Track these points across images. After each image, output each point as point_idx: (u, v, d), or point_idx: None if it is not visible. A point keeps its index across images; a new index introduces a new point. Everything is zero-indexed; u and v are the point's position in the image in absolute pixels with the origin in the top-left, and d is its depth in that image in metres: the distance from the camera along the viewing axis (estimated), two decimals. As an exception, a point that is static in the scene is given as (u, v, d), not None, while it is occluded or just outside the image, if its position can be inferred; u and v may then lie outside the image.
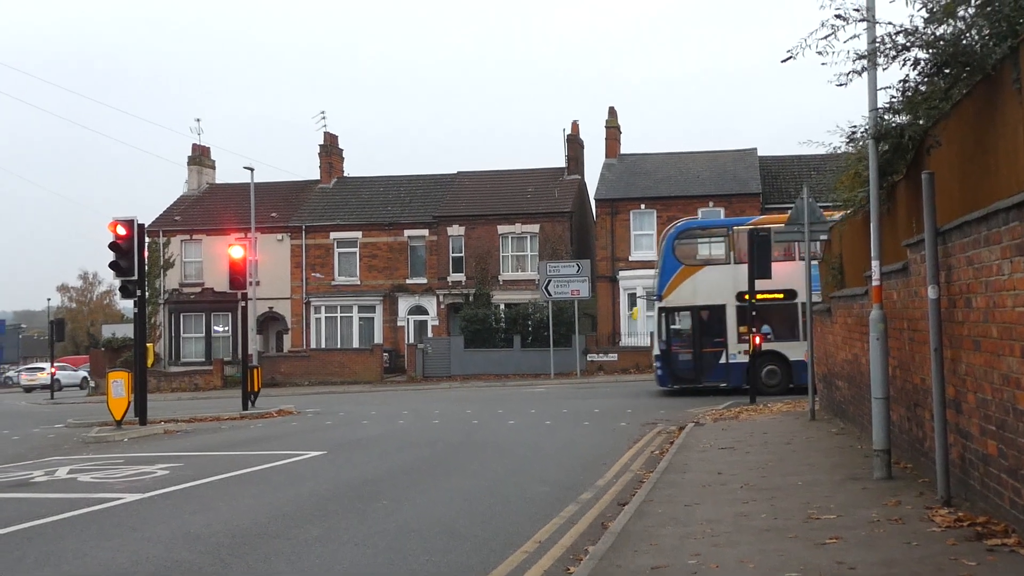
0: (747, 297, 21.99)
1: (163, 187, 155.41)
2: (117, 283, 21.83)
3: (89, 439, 18.37)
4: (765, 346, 23.36)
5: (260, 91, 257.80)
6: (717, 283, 24.47)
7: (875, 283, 9.13)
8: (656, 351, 25.23)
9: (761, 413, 17.70)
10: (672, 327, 25.06)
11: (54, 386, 45.24)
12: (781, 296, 24.14)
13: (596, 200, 42.17)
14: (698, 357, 24.81)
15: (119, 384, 20.13)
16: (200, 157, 49.69)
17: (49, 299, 73.33)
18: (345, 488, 10.71)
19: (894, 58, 8.48)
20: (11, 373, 73.81)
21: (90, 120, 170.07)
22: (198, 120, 52.52)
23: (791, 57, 8.78)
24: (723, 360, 24.53)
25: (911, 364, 9.15)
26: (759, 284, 21.32)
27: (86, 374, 49.97)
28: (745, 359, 23.16)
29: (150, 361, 22.58)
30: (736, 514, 7.76)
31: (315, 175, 48.94)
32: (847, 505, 7.82)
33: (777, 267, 23.15)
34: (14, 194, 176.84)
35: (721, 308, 24.52)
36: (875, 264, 9.17)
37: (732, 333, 24.43)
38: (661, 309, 24.88)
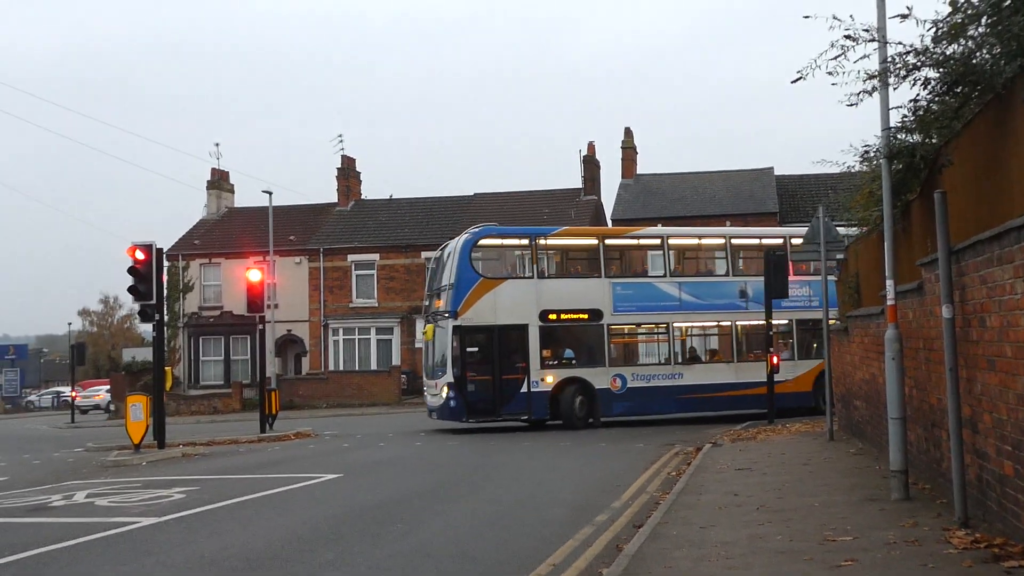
0: (552, 316, 21.70)
1: (183, 211, 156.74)
2: (137, 307, 21.97)
3: (108, 463, 18.46)
4: (565, 372, 22.16)
5: (278, 115, 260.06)
6: (519, 300, 22.05)
7: (890, 302, 9.09)
8: (448, 378, 21.66)
9: (779, 433, 17.59)
10: (468, 349, 21.90)
11: (75, 410, 45.50)
12: (585, 317, 22.51)
13: (613, 220, 42.19)
14: (497, 385, 21.91)
15: (138, 408, 20.25)
16: (219, 181, 50.09)
17: (70, 323, 73.87)
18: (360, 511, 10.71)
19: (904, 77, 8.49)
20: (33, 397, 74.36)
21: (111, 146, 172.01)
22: (217, 144, 52.74)
23: (801, 78, 8.81)
24: (524, 388, 21.86)
25: (927, 384, 9.08)
26: (564, 303, 22.06)
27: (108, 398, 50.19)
28: (548, 387, 21.85)
29: (168, 384, 22.70)
30: (752, 536, 7.71)
31: (333, 198, 49.24)
32: (864, 527, 7.75)
33: (577, 283, 23.01)
34: (37, 220, 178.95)
35: (523, 328, 21.98)
36: (890, 283, 9.13)
37: (535, 357, 22.01)
38: (456, 328, 21.60)
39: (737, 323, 23.83)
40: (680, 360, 23.36)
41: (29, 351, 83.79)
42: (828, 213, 15.55)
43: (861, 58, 8.64)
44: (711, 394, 23.21)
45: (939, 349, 7.93)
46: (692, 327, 24.14)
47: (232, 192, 51.19)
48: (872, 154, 10.96)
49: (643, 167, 46.33)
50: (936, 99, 8.63)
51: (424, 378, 24.59)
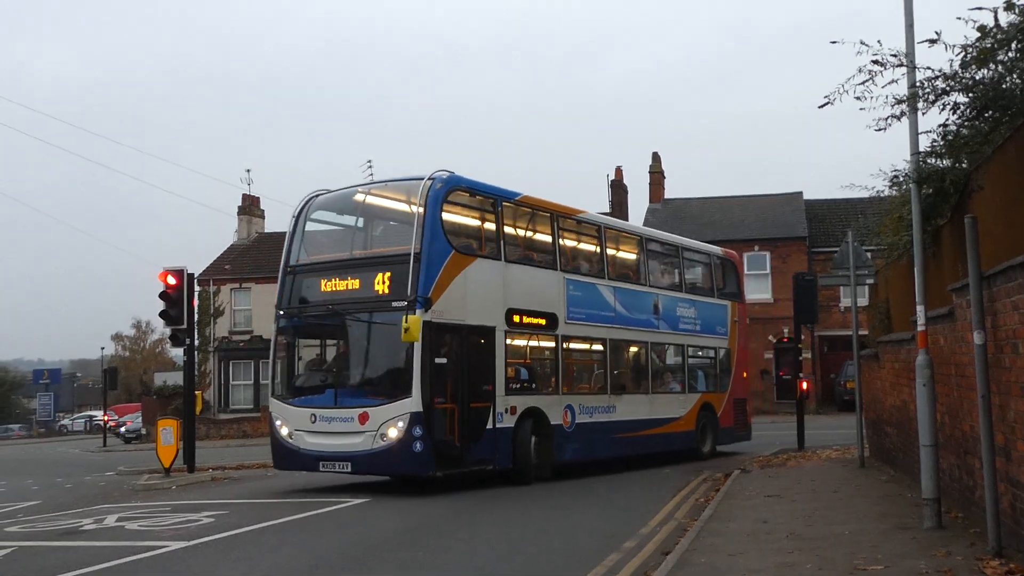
0: (516, 319, 15.77)
1: (214, 237, 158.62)
2: (168, 332, 22.21)
3: (138, 487, 18.60)
4: (525, 400, 15.83)
5: (308, 141, 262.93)
6: (488, 290, 15.42)
7: (920, 328, 9.01)
8: (411, 404, 13.91)
9: (809, 460, 17.41)
10: (436, 361, 14.32)
11: (106, 434, 45.91)
12: (543, 323, 16.50)
13: (640, 245, 42.11)
14: (464, 418, 14.77)
15: (168, 432, 20.40)
16: (250, 207, 50.61)
17: (103, 348, 74.82)
18: (387, 536, 10.71)
19: (934, 102, 8.47)
20: (66, 421, 75.20)
21: (144, 172, 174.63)
22: (248, 171, 53.51)
23: (828, 103, 8.81)
24: (490, 423, 15.07)
25: (959, 410, 8.97)
26: (527, 301, 16.03)
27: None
28: (511, 423, 15.39)
29: (199, 409, 22.79)
30: (780, 564, 7.63)
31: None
32: (895, 555, 7.65)
33: (536, 275, 16.62)
34: (72, 246, 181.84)
35: (491, 333, 15.32)
36: (920, 309, 9.05)
37: (501, 377, 15.38)
38: (428, 325, 14.01)
39: (650, 345, 19.57)
40: (611, 389, 18.23)
41: (63, 375, 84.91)
42: (857, 238, 15.47)
43: (889, 83, 8.64)
44: (634, 432, 18.56)
45: (971, 375, 7.84)
46: (622, 346, 18.90)
47: (262, 217, 51.69)
48: (901, 179, 10.92)
49: (671, 192, 46.33)
50: (966, 124, 8.60)
51: (310, 407, 15.12)
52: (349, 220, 17.02)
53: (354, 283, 15.17)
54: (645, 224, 42.74)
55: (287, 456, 15.44)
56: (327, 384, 15.42)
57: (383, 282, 14.76)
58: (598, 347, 17.98)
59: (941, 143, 9.03)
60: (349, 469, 14.72)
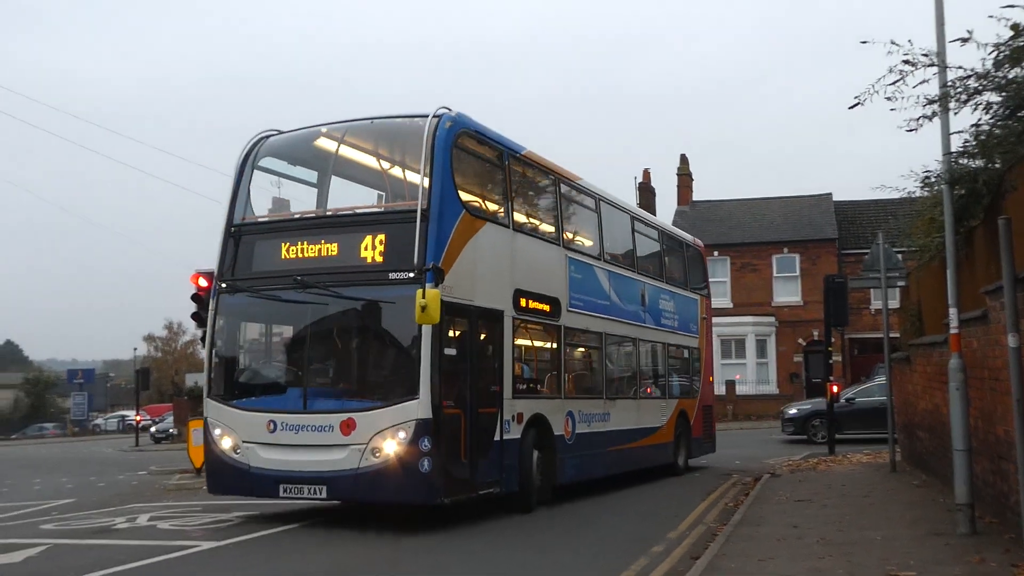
0: (523, 302, 12.63)
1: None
2: (199, 333, 22.36)
3: (170, 486, 18.80)
4: (531, 405, 12.71)
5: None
6: (497, 264, 12.36)
7: (953, 331, 8.90)
8: (418, 409, 10.58)
9: (840, 464, 17.27)
10: (447, 352, 11.15)
11: (138, 434, 46.39)
12: (547, 309, 13.43)
13: (669, 247, 41.96)
14: (472, 428, 11.46)
15: (199, 432, 20.59)
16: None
17: (136, 348, 75.66)
18: (416, 540, 10.73)
19: (966, 102, 8.39)
20: (99, 420, 76.13)
21: (177, 175, 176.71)
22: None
23: (859, 103, 8.74)
24: (497, 435, 11.86)
25: (993, 415, 8.85)
26: (534, 282, 12.98)
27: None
28: (518, 435, 12.23)
29: (229, 410, 22.95)
30: (811, 569, 7.57)
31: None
32: (928, 561, 7.57)
33: (540, 250, 13.54)
34: (107, 248, 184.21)
35: (498, 318, 12.23)
36: (953, 311, 8.95)
37: (508, 375, 12.23)
38: (444, 304, 10.59)
39: (638, 342, 16.85)
40: (606, 393, 15.43)
41: (96, 375, 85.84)
42: (888, 239, 15.32)
43: (920, 83, 8.57)
44: (624, 445, 15.82)
45: (1005, 379, 7.74)
46: (614, 341, 16.10)
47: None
48: (933, 180, 10.81)
49: (699, 194, 46.13)
50: (999, 123, 8.50)
51: (267, 411, 11.50)
52: (315, 169, 13.22)
53: (330, 248, 11.57)
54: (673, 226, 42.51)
55: (231, 476, 11.57)
56: (293, 381, 11.70)
57: (374, 247, 11.29)
58: (594, 342, 15.27)
59: (973, 143, 8.92)
60: (324, 494, 10.95)
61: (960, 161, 9.23)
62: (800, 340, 38.95)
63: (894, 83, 8.54)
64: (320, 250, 11.64)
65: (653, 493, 15.11)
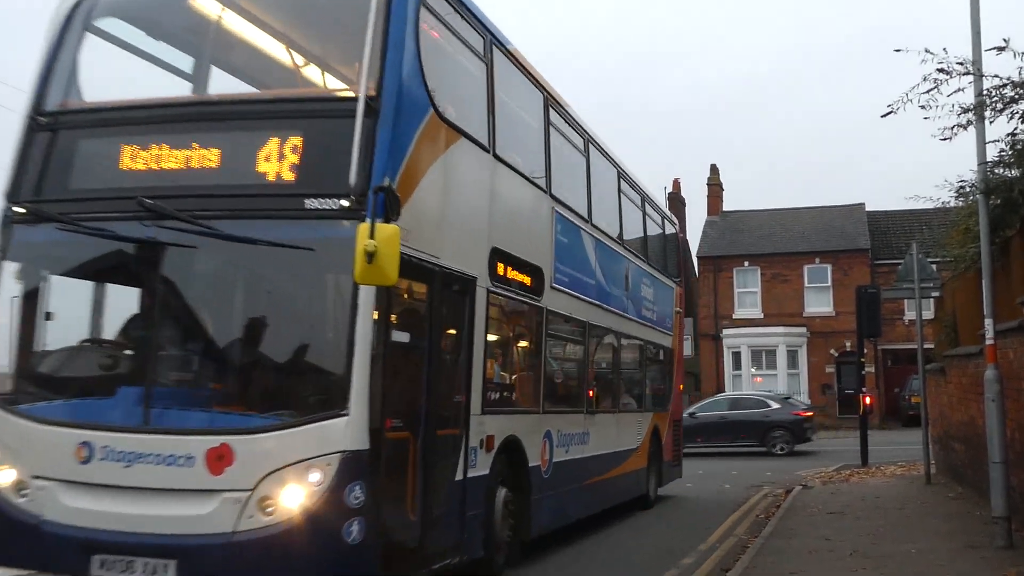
0: (501, 269, 8.57)
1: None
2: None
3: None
4: (499, 427, 8.52)
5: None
6: (472, 203, 8.17)
7: (988, 342, 8.81)
8: (347, 437, 6.06)
9: (873, 476, 17.08)
10: (395, 339, 6.78)
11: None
12: (528, 282, 9.36)
13: (698, 258, 41.82)
14: (427, 462, 7.07)
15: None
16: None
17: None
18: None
19: (1001, 111, 8.32)
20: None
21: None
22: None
23: (891, 112, 8.69)
24: (459, 472, 7.66)
25: (1031, 427, 8.74)
26: (514, 241, 8.87)
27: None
28: (487, 466, 8.20)
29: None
30: (844, 582, 7.49)
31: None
32: (963, 574, 7.49)
33: (525, 194, 9.55)
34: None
35: (469, 290, 7.92)
36: (988, 322, 8.85)
37: (478, 378, 8.04)
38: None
39: (621, 336, 13.02)
40: (586, 405, 11.54)
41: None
42: (922, 250, 15.18)
43: (955, 91, 8.50)
44: (601, 476, 11.87)
45: (1042, 391, 7.65)
46: (598, 334, 12.14)
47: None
48: (968, 189, 10.71)
49: (729, 204, 45.91)
50: (1035, 132, 8.41)
51: (77, 426, 6.58)
52: (186, 42, 8.26)
53: (207, 156, 6.90)
54: (703, 237, 42.39)
55: (7, 536, 6.65)
56: (128, 376, 6.89)
57: (281, 155, 6.68)
58: (577, 334, 11.28)
59: (1009, 152, 8.84)
60: (171, 573, 6.12)
61: (996, 171, 9.14)
62: (832, 351, 38.57)
63: (928, 91, 8.47)
64: (189, 158, 6.89)
65: (633, 535, 11.51)
